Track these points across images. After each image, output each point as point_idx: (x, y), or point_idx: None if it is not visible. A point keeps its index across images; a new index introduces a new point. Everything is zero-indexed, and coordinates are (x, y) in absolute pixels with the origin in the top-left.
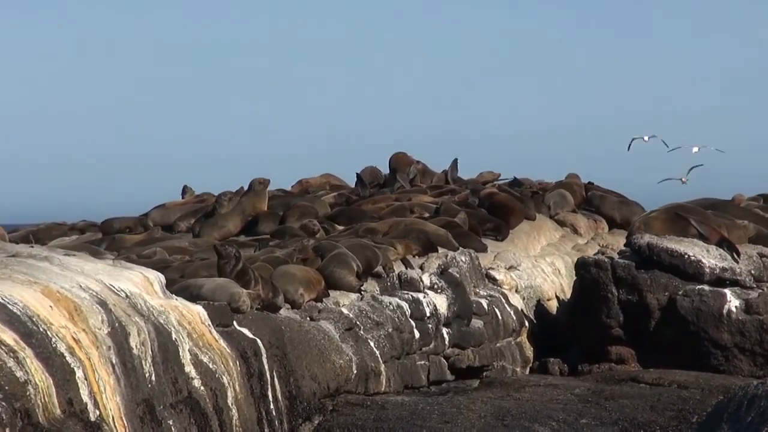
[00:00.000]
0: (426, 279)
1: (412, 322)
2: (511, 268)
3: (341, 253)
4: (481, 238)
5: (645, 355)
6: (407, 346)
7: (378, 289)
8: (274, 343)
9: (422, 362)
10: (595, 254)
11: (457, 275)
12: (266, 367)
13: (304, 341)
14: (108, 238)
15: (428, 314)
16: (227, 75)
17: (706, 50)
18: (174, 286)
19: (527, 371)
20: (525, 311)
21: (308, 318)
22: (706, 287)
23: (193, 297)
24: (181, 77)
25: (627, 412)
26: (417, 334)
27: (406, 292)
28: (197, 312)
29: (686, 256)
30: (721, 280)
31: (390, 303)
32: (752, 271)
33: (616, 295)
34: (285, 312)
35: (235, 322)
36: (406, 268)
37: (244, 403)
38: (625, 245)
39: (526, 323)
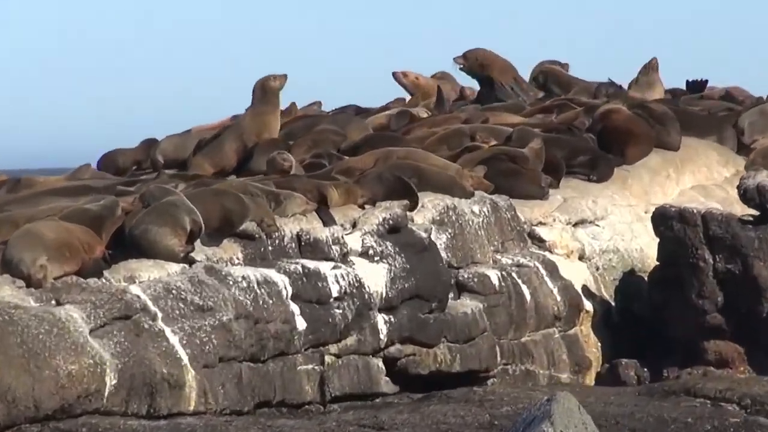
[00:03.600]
0: (353, 241)
1: (294, 307)
2: (581, 223)
3: (165, 204)
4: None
5: (759, 354)
6: (275, 342)
7: (241, 256)
8: None
9: (311, 366)
10: None
11: (424, 235)
12: None
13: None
14: (11, 182)
15: (337, 294)
16: None
17: None
18: None
19: (586, 379)
20: (594, 288)
21: (54, 301)
22: None
23: None
24: None
25: None
26: (301, 325)
27: (294, 261)
28: None
29: None
30: None
31: (240, 278)
32: None
33: (711, 263)
34: (11, 291)
35: None
36: (326, 225)
37: None
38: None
39: (590, 307)
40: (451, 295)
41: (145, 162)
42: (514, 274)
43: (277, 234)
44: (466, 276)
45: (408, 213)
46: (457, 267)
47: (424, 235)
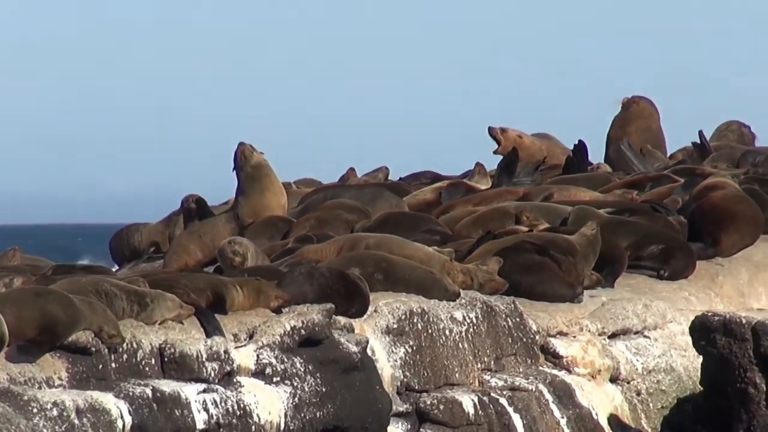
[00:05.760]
0: (244, 357)
1: None
2: (622, 333)
3: None
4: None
5: None
6: None
7: (66, 376)
8: None
9: None
10: None
11: (354, 349)
12: None
13: None
14: None
15: (204, 426)
16: None
17: None
18: None
19: None
20: (628, 418)
21: None
22: None
23: None
24: None
25: None
26: None
27: (144, 382)
28: None
29: None
30: None
31: (49, 405)
32: None
33: (764, 389)
34: None
35: None
36: (208, 336)
37: None
38: None
39: None
40: (404, 426)
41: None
42: (502, 400)
43: (128, 347)
44: (428, 402)
45: (347, 320)
46: (420, 390)
47: (354, 349)
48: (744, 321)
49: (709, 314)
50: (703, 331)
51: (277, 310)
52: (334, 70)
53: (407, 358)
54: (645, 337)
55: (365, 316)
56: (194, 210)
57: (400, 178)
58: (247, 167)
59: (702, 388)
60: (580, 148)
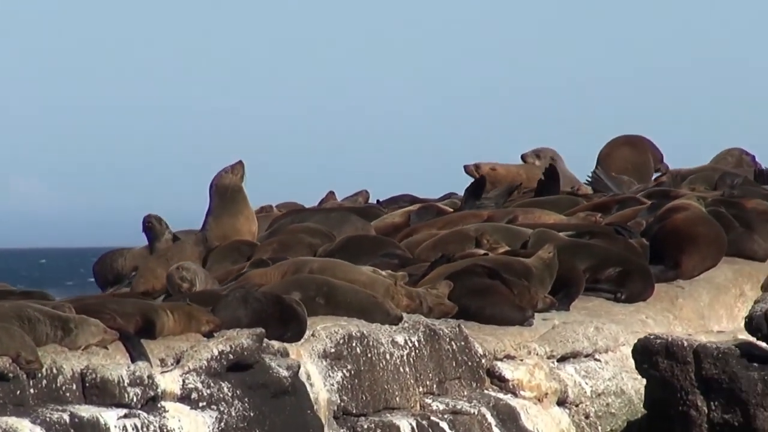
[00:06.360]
0: (169, 382)
1: None
2: (572, 356)
3: None
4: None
5: None
6: None
7: None
8: None
9: None
10: None
11: (284, 374)
12: None
13: None
14: None
15: None
16: None
17: None
18: None
19: None
20: None
21: None
22: None
23: None
24: None
25: None
26: None
27: (62, 407)
28: None
29: None
30: None
31: None
32: None
33: (705, 412)
34: None
35: None
36: (133, 361)
37: None
38: None
39: None
40: None
41: None
42: (443, 424)
43: (48, 372)
44: (366, 426)
45: (282, 344)
46: (358, 414)
47: (284, 373)
48: (686, 344)
49: (651, 337)
50: (646, 353)
51: (209, 335)
52: (322, 89)
53: (345, 382)
54: (596, 360)
55: (302, 341)
56: (156, 229)
57: (378, 201)
58: (220, 189)
59: (644, 411)
60: (552, 171)
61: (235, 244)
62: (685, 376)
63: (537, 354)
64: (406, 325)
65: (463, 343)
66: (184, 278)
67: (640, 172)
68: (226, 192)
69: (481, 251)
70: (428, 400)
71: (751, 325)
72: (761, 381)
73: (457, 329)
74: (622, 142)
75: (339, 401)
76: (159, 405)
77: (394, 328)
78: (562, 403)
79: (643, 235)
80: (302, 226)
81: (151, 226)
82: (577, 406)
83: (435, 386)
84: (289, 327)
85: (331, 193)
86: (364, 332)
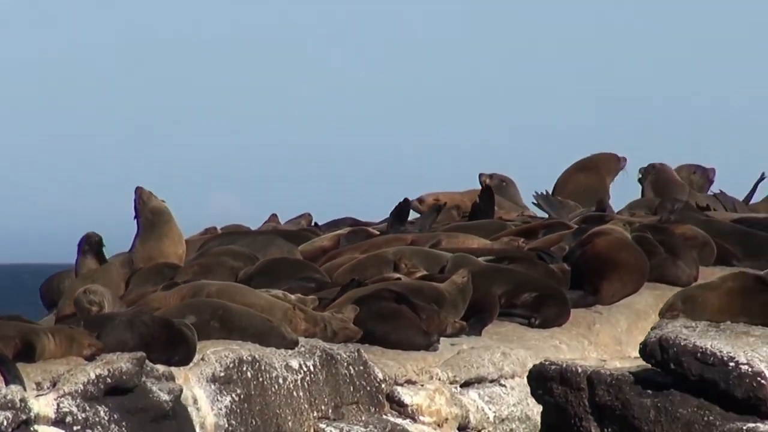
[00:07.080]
0: (44, 405)
1: None
2: (477, 382)
3: None
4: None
5: None
6: None
7: None
8: None
9: None
10: None
11: (165, 398)
12: None
13: None
14: None
15: None
16: None
17: None
18: None
19: None
20: None
21: None
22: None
23: None
24: None
25: None
26: None
27: None
28: None
29: (732, 366)
30: None
31: None
32: None
33: None
34: None
35: None
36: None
37: None
38: None
39: None
40: None
41: None
42: None
43: None
44: None
45: (167, 368)
46: None
47: (165, 397)
48: (579, 370)
49: (546, 363)
50: (540, 379)
51: (91, 359)
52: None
53: (233, 406)
54: (501, 385)
55: (191, 365)
56: (89, 251)
57: (316, 224)
58: (146, 212)
59: None
60: (488, 193)
61: (159, 266)
62: (579, 402)
63: (439, 379)
64: (302, 349)
65: (361, 368)
66: (92, 302)
67: (597, 194)
68: (150, 215)
69: (396, 275)
70: (322, 425)
71: (645, 351)
72: (654, 408)
73: (356, 354)
74: (575, 168)
75: (227, 425)
76: (31, 429)
77: (290, 352)
78: (463, 428)
79: (566, 260)
80: (225, 248)
81: (87, 248)
82: (479, 431)
83: (330, 411)
84: (177, 351)
85: (274, 215)
86: (256, 356)
